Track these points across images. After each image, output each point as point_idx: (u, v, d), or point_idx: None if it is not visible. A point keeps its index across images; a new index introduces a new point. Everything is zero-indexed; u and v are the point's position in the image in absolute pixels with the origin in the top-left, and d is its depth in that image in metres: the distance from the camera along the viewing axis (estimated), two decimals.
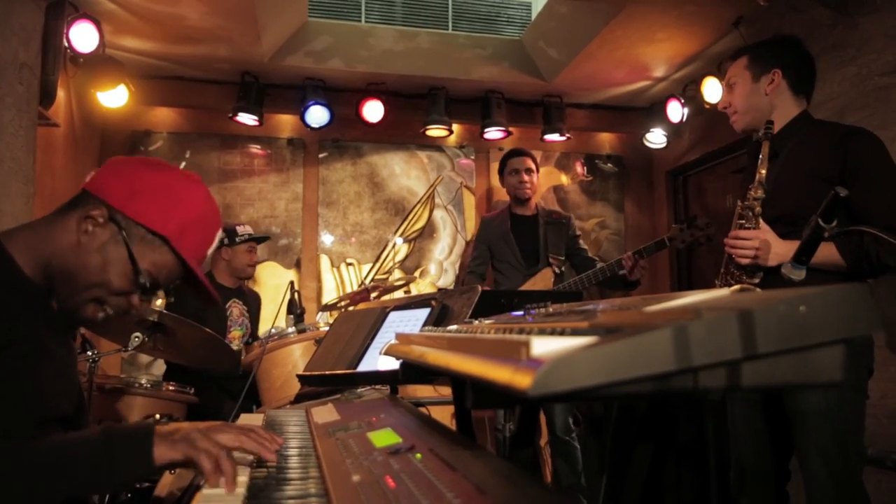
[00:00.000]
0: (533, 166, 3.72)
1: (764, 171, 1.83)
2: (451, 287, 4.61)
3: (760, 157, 1.85)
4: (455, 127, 4.47)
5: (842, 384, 0.49)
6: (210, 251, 1.26)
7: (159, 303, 1.25)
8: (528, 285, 3.56)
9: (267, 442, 1.03)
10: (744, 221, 1.87)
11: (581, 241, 3.75)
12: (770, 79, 1.95)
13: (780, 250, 1.77)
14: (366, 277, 4.55)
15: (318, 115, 4.18)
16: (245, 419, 1.51)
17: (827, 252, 1.73)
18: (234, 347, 3.39)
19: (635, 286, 3.38)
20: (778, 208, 1.86)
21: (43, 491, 0.91)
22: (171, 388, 2.78)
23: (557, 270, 3.58)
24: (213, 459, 0.94)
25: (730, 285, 1.88)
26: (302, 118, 4.18)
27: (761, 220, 1.84)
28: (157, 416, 2.57)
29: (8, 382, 1.02)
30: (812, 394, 1.74)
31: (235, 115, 4.11)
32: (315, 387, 2.25)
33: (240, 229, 3.54)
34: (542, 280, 3.56)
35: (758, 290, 1.79)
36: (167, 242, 1.15)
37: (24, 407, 1.04)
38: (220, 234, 1.27)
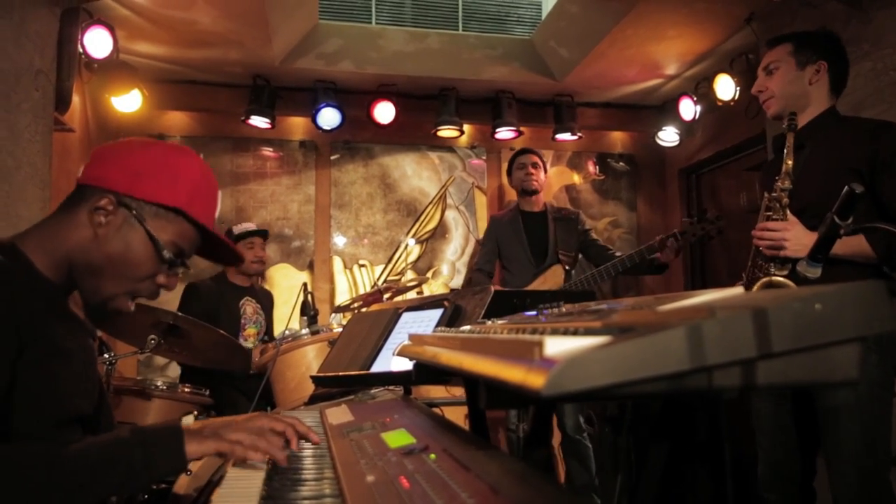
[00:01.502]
0: (539, 162, 3.78)
1: (790, 162, 1.83)
2: (463, 287, 4.61)
3: (787, 147, 1.84)
4: (466, 127, 4.47)
5: (857, 383, 0.49)
6: (218, 211, 1.28)
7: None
8: (538, 282, 3.55)
9: (293, 440, 1.08)
10: (771, 213, 1.86)
11: (593, 233, 3.75)
12: (816, 69, 1.96)
13: (808, 241, 1.74)
14: (378, 278, 4.56)
15: (329, 118, 4.20)
16: (285, 414, 1.52)
17: (857, 243, 1.73)
18: (250, 345, 3.42)
19: (664, 269, 3.37)
20: (804, 200, 1.85)
21: (80, 494, 0.92)
22: (186, 389, 2.80)
23: (567, 266, 3.57)
24: (245, 447, 1.01)
25: (758, 278, 1.88)
26: (313, 120, 4.20)
27: (788, 212, 1.83)
28: (195, 412, 2.57)
29: (27, 385, 1.02)
30: (842, 390, 1.72)
31: (247, 117, 4.14)
32: (329, 388, 2.26)
33: (236, 229, 3.57)
34: (553, 277, 3.55)
35: (788, 282, 1.78)
36: (181, 213, 1.17)
37: (43, 409, 1.05)
38: (219, 193, 1.29)
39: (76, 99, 3.46)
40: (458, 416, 2.74)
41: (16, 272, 1.08)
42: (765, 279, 1.85)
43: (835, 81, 1.98)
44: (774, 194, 1.85)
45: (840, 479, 1.74)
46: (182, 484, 1.18)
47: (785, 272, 1.83)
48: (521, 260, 3.65)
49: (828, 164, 1.87)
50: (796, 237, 1.78)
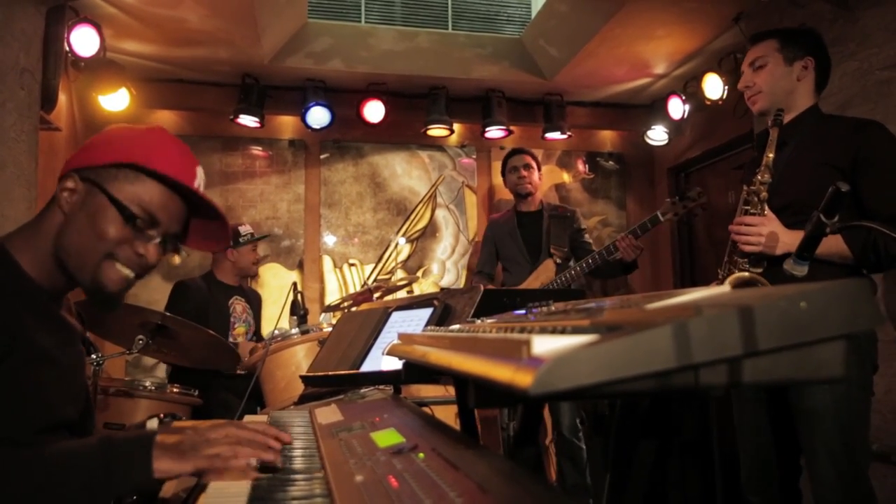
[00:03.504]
0: (532, 163, 3.76)
1: (771, 156, 1.82)
2: (454, 286, 4.61)
3: (770, 141, 1.83)
4: (456, 126, 4.47)
5: (844, 380, 0.49)
6: (198, 184, 1.19)
7: (176, 259, 1.23)
8: (532, 278, 3.57)
9: (272, 441, 1.03)
10: (749, 207, 1.85)
11: (586, 235, 3.73)
12: (803, 65, 1.94)
13: (787, 239, 1.75)
14: (368, 278, 4.55)
15: (318, 116, 4.19)
16: (249, 420, 1.51)
17: (834, 243, 1.72)
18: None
19: (632, 269, 3.35)
20: (786, 196, 1.84)
21: (39, 501, 0.89)
22: (175, 390, 2.78)
23: (559, 261, 3.57)
24: (225, 460, 0.93)
25: (733, 273, 1.86)
26: (303, 119, 4.19)
27: (766, 206, 1.82)
28: (161, 415, 2.56)
29: (10, 391, 1.01)
30: (818, 391, 1.73)
31: (236, 117, 4.12)
32: (318, 387, 2.26)
33: (242, 229, 3.57)
34: (545, 271, 3.56)
35: (761, 279, 1.78)
36: (138, 167, 1.11)
37: (27, 414, 1.03)
38: (200, 171, 1.22)
39: (63, 98, 3.43)
40: (448, 414, 2.74)
41: (2, 276, 1.06)
42: (735, 275, 1.83)
43: (820, 79, 1.97)
44: (753, 188, 1.83)
45: (820, 480, 1.75)
46: (170, 485, 1.17)
47: (759, 270, 1.81)
48: (519, 260, 3.67)
49: (811, 161, 1.86)
50: (773, 235, 1.77)
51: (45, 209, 1.15)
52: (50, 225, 1.12)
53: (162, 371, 4.04)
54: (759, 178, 1.82)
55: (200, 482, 0.94)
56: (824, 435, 1.73)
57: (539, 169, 3.81)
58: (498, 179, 4.20)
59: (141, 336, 2.43)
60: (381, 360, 1.46)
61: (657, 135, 4.53)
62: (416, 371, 1.19)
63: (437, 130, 4.40)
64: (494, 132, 4.45)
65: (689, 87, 4.17)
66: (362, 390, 1.99)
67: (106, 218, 1.10)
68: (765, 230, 1.78)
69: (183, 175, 1.16)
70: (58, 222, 1.12)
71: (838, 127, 1.89)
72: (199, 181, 1.21)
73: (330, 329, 2.57)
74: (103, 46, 3.27)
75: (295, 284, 3.08)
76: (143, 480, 0.92)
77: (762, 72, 1.97)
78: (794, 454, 1.93)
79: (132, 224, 1.11)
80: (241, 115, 4.11)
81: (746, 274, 1.82)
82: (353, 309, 2.93)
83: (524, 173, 3.72)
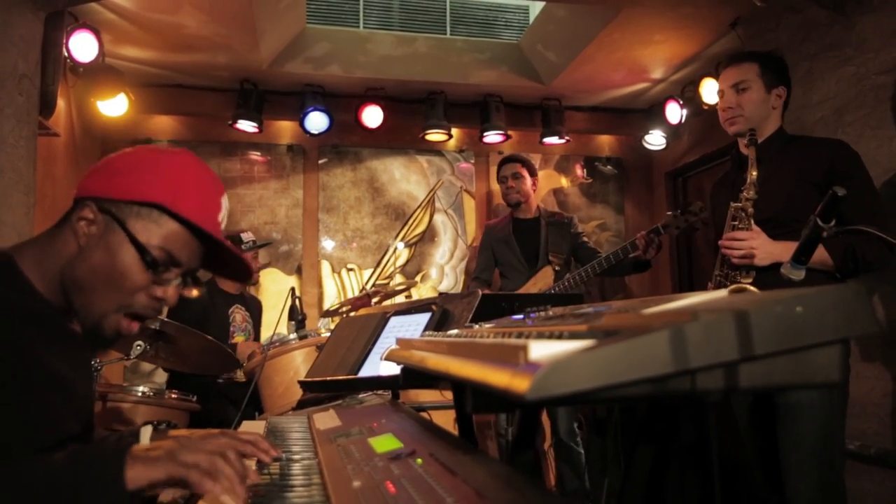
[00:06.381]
0: (521, 171, 3.65)
1: (755, 174, 1.92)
2: (452, 291, 4.62)
3: (750, 160, 1.94)
4: (454, 131, 4.48)
5: (839, 384, 0.49)
6: (221, 217, 1.13)
7: (195, 293, 1.15)
8: (530, 285, 3.56)
9: (264, 448, 1.01)
10: (737, 222, 1.95)
11: (584, 237, 3.73)
12: (778, 93, 2.06)
13: (773, 250, 1.87)
14: (367, 283, 4.55)
15: (317, 122, 4.19)
16: (247, 426, 1.51)
17: (817, 252, 1.79)
18: None
19: (647, 267, 3.34)
20: (766, 212, 1.94)
21: None
22: (173, 396, 2.78)
23: (557, 268, 3.57)
24: (203, 471, 0.84)
25: (724, 285, 1.93)
26: (301, 124, 4.19)
27: (752, 222, 1.93)
28: (156, 421, 2.57)
29: (16, 412, 0.96)
30: (805, 388, 1.76)
31: (235, 122, 4.12)
32: (317, 393, 2.26)
33: (244, 237, 3.57)
34: (543, 278, 3.56)
35: (753, 288, 1.84)
36: (163, 209, 1.04)
37: (32, 435, 0.98)
38: (225, 200, 1.15)
39: (61, 103, 3.43)
40: (446, 420, 2.74)
41: (9, 294, 1.02)
42: (735, 285, 1.90)
43: (786, 105, 2.10)
44: (739, 204, 1.94)
45: (799, 475, 1.79)
46: (167, 493, 1.17)
47: (750, 280, 1.92)
48: (515, 266, 3.66)
49: (786, 178, 1.97)
50: (762, 246, 1.88)
51: (57, 228, 1.09)
52: (62, 249, 1.06)
53: (160, 377, 4.03)
54: (746, 195, 1.93)
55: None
56: (808, 429, 1.79)
57: (533, 175, 3.76)
58: (496, 184, 4.20)
59: (139, 342, 2.43)
60: (379, 366, 1.46)
61: (655, 139, 4.55)
62: (414, 376, 1.19)
63: (435, 135, 4.41)
64: (492, 137, 4.46)
65: (687, 92, 4.18)
66: (360, 395, 1.99)
67: (124, 260, 1.03)
68: (755, 243, 1.89)
69: (208, 215, 1.10)
70: (70, 250, 1.05)
71: (808, 145, 2.03)
72: (223, 213, 1.15)
73: (328, 334, 2.57)
74: (102, 52, 3.27)
75: (293, 289, 3.08)
76: (115, 493, 0.83)
77: (745, 95, 2.06)
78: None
79: (150, 267, 1.04)
80: (240, 121, 4.12)
81: (743, 284, 1.88)
82: (352, 314, 2.93)
83: (511, 183, 3.64)
